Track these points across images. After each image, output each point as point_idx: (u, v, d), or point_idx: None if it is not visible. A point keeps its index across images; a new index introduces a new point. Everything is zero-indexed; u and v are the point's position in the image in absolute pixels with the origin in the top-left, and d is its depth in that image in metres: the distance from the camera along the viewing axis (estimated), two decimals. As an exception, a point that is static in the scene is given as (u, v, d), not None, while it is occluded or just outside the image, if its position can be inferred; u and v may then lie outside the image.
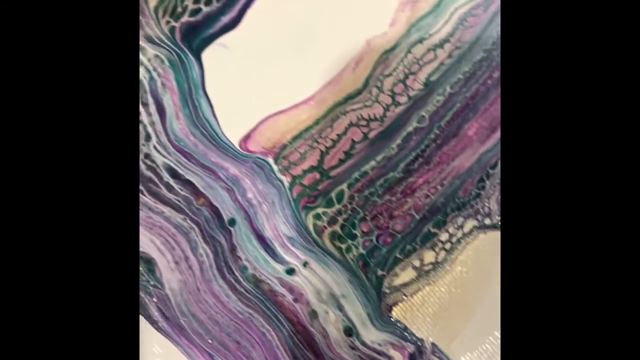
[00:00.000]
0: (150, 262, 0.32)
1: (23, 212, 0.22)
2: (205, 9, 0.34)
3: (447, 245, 0.33)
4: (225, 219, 0.32)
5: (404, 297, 0.32)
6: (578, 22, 0.23)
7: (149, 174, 0.32)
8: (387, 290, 0.32)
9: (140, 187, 0.32)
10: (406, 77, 0.33)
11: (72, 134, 0.23)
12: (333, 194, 0.32)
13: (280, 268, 0.32)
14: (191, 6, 0.34)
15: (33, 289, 0.22)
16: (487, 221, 0.33)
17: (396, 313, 0.32)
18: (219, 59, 0.33)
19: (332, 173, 0.33)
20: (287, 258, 0.32)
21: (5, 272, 0.22)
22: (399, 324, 0.32)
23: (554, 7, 0.23)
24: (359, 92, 0.33)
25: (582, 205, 0.22)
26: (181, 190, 0.32)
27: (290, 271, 0.32)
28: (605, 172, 0.22)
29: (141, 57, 0.33)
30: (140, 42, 0.33)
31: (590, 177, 0.22)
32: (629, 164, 0.22)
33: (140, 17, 0.34)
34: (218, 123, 0.33)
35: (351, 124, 0.33)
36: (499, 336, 0.32)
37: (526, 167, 0.23)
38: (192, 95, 0.33)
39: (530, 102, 0.23)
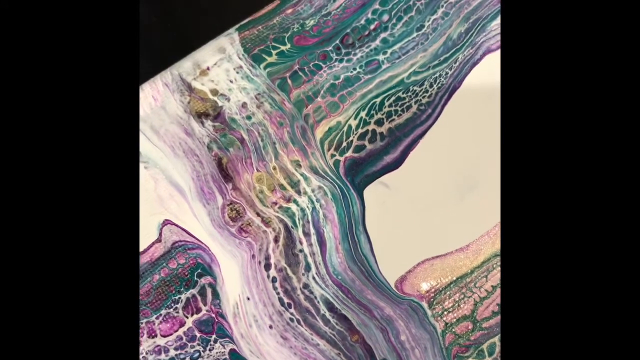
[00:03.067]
0: (302, 395, 0.32)
1: (23, 228, 0.23)
2: (369, 147, 0.35)
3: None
4: (378, 359, 0.33)
5: None
6: (578, 26, 0.24)
7: (306, 304, 0.33)
8: None
9: (297, 317, 0.33)
10: (564, 236, 0.34)
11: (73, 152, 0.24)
12: (484, 346, 0.33)
13: (429, 417, 0.32)
14: (356, 142, 0.36)
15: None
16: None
17: None
18: (380, 197, 0.35)
19: (485, 324, 0.33)
20: (437, 407, 0.32)
21: (5, 276, 0.23)
22: None
23: (554, 12, 0.24)
24: (515, 246, 0.34)
25: (580, 207, 0.23)
26: (337, 324, 0.33)
27: (440, 421, 0.32)
28: (606, 173, 0.23)
29: (305, 187, 0.35)
30: (306, 173, 0.35)
31: (591, 178, 0.23)
32: (629, 166, 0.23)
33: (306, 146, 0.36)
34: (376, 261, 0.34)
35: (506, 277, 0.34)
36: None
37: (526, 168, 0.23)
38: (353, 230, 0.34)
39: (530, 105, 0.24)
